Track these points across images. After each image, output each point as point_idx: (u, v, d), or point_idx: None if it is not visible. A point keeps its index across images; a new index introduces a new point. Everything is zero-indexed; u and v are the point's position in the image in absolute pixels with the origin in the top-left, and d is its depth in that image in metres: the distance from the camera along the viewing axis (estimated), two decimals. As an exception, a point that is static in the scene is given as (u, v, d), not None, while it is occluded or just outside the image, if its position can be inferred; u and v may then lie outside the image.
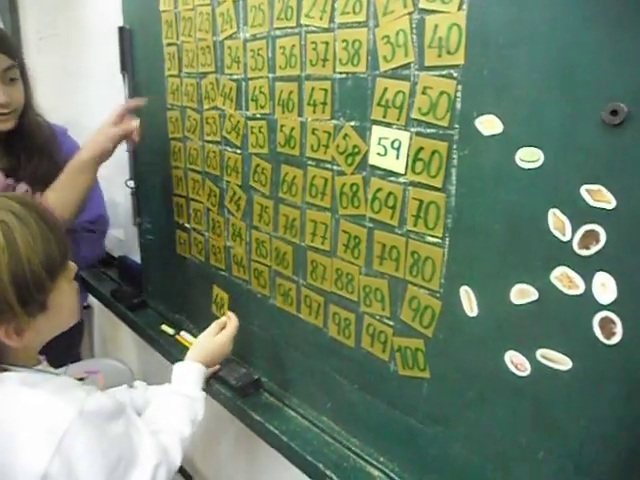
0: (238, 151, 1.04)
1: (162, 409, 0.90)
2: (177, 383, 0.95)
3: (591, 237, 0.59)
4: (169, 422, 0.87)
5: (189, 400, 0.92)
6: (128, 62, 1.34)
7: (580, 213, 0.59)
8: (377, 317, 0.84)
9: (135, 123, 1.12)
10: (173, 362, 1.00)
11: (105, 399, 0.74)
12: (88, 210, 1.39)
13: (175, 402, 0.91)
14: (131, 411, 0.80)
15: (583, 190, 0.58)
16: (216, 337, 1.02)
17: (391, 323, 0.82)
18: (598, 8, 0.55)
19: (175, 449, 0.83)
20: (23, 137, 1.20)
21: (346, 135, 0.81)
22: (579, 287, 0.60)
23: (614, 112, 0.55)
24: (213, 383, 1.11)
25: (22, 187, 1.17)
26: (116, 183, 1.48)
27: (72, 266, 0.78)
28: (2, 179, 1.12)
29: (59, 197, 1.11)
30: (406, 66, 0.72)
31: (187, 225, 1.25)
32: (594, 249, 0.58)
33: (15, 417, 0.67)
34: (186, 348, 1.25)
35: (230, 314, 1.06)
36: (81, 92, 1.70)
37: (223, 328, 1.04)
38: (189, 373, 0.96)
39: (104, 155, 1.11)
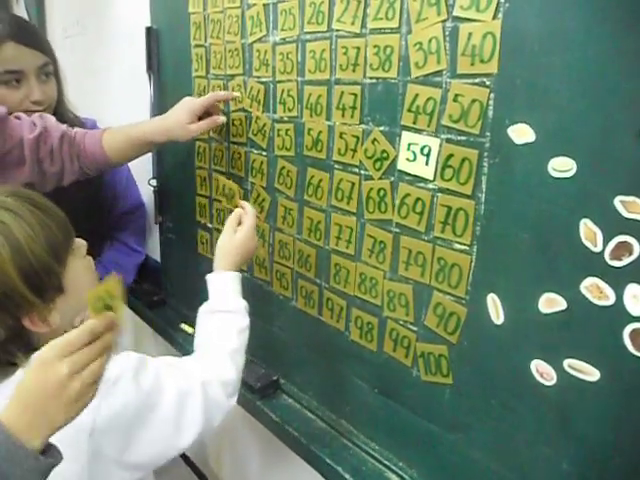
0: (264, 153, 1.05)
1: (202, 334, 0.88)
2: (214, 300, 0.90)
3: (624, 248, 0.58)
4: (212, 342, 0.85)
5: (230, 314, 0.87)
6: (154, 62, 1.35)
7: (613, 224, 0.59)
8: (401, 322, 0.84)
9: (221, 120, 1.06)
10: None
11: (126, 359, 0.74)
12: (130, 199, 1.46)
13: (214, 321, 0.88)
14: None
15: (617, 201, 0.58)
16: (236, 235, 0.92)
17: (415, 328, 0.82)
18: (637, 17, 0.55)
19: (222, 363, 0.82)
20: None
21: (375, 140, 0.82)
22: (609, 298, 0.60)
23: (651, 124, 0.54)
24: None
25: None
26: (139, 181, 1.50)
27: (80, 243, 0.78)
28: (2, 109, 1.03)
29: (113, 144, 1.10)
30: (438, 73, 0.72)
31: (209, 225, 1.26)
32: (627, 260, 0.58)
33: None
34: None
35: (244, 203, 0.98)
36: (105, 91, 1.72)
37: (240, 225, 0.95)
38: (223, 286, 0.90)
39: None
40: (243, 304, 0.89)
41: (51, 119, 1.09)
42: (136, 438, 0.71)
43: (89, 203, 1.33)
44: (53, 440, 0.55)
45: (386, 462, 0.90)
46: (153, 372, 0.75)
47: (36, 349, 0.67)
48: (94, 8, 1.76)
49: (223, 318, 0.87)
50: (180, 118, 1.03)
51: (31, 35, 1.16)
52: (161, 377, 0.75)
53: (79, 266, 0.76)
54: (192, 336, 1.30)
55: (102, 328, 0.56)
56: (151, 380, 0.74)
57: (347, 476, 0.89)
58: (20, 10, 2.47)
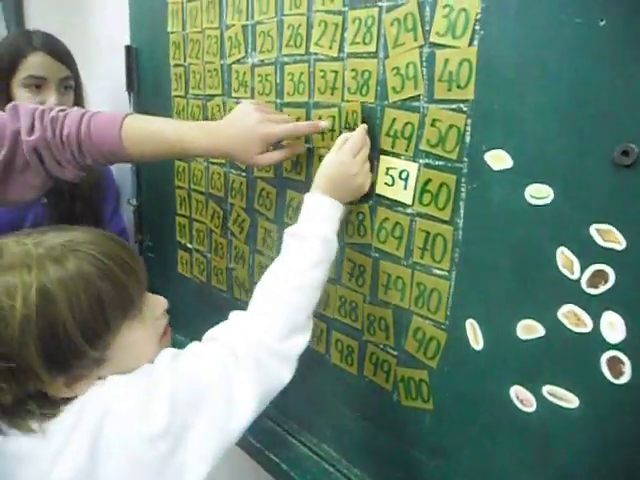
0: (243, 174, 1.04)
1: (272, 266, 0.74)
2: (297, 223, 0.76)
3: (600, 277, 0.58)
4: (274, 277, 0.73)
5: (303, 241, 0.73)
6: (134, 81, 1.34)
7: (589, 252, 0.59)
8: (381, 346, 0.84)
9: (301, 150, 0.89)
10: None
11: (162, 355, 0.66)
12: (115, 224, 1.45)
13: (286, 248, 0.74)
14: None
15: (593, 229, 0.58)
16: (330, 156, 0.78)
17: (395, 353, 0.82)
18: (610, 47, 0.55)
19: (277, 311, 0.69)
20: None
21: (353, 164, 0.81)
22: (587, 325, 0.60)
23: (625, 153, 0.55)
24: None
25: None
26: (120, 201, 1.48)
27: (156, 303, 0.70)
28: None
29: (134, 136, 0.87)
30: (415, 98, 0.72)
31: (189, 245, 1.25)
32: (603, 288, 0.58)
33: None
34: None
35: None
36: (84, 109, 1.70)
37: None
38: (305, 207, 0.77)
39: None
40: (324, 232, 0.73)
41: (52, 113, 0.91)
42: (191, 431, 0.60)
43: (84, 216, 1.33)
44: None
45: (367, 488, 0.89)
46: (190, 355, 0.66)
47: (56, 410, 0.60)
48: (73, 26, 1.75)
49: (294, 244, 0.74)
50: (249, 147, 0.83)
51: (59, 50, 1.26)
52: (200, 357, 0.66)
53: (138, 335, 0.65)
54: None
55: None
56: (189, 363, 0.64)
57: (328, 503, 0.88)
58: (-1, 24, 2.45)
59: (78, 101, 1.32)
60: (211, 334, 0.71)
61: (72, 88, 1.29)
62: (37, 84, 1.22)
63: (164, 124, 0.89)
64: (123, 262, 0.63)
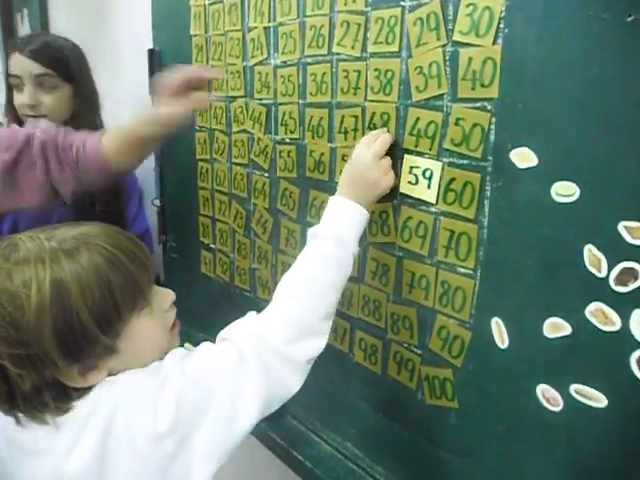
0: (266, 174, 1.05)
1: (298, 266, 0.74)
2: (326, 218, 0.76)
3: (629, 274, 0.58)
4: (288, 279, 0.73)
5: (317, 240, 0.74)
6: (157, 83, 1.36)
7: (617, 250, 0.58)
8: (405, 345, 0.84)
9: (203, 98, 0.95)
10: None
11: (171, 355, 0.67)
12: (137, 228, 1.47)
13: (304, 250, 0.75)
14: None
15: (621, 226, 0.58)
16: (353, 160, 0.79)
17: (419, 352, 0.82)
18: (635, 43, 0.55)
19: (287, 313, 0.69)
20: None
21: (377, 163, 0.82)
22: (615, 324, 0.60)
23: (654, 149, 0.54)
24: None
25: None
26: (143, 202, 1.50)
27: (164, 295, 0.70)
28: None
29: (111, 144, 1.00)
30: (439, 97, 0.72)
31: (212, 245, 1.26)
32: (632, 286, 0.58)
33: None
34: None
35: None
36: (107, 112, 1.73)
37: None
38: (327, 210, 0.77)
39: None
40: (336, 231, 0.74)
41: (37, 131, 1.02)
42: (197, 430, 0.62)
43: (107, 215, 1.36)
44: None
45: (392, 486, 0.89)
46: (198, 355, 0.67)
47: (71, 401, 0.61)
48: (97, 31, 1.78)
49: (309, 245, 0.75)
50: (157, 101, 0.94)
51: (34, 48, 1.27)
52: (208, 358, 0.66)
53: (147, 326, 0.66)
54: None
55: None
56: (196, 363, 0.65)
57: (352, 501, 0.88)
58: (25, 29, 2.51)
59: (78, 102, 1.34)
60: (223, 334, 0.71)
61: (55, 87, 1.29)
62: (15, 83, 1.28)
63: (128, 125, 1.01)
64: (133, 254, 0.65)
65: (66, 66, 1.31)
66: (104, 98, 1.71)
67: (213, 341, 0.71)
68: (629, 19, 0.54)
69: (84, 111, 1.34)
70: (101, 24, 1.76)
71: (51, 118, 1.28)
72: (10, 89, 1.32)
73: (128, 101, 1.64)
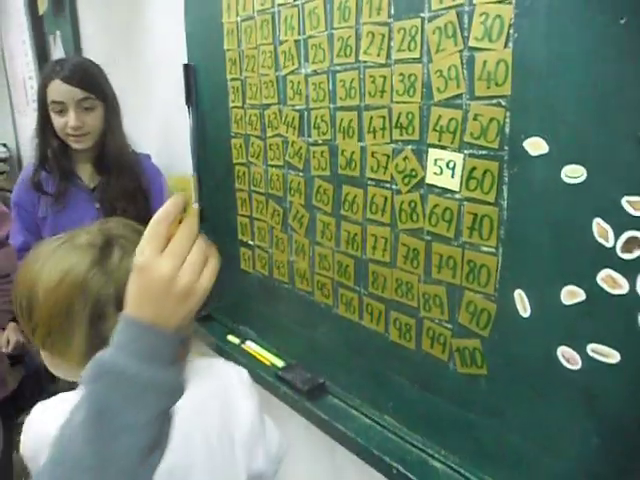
0: (301, 174, 1.15)
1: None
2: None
3: (634, 243, 0.66)
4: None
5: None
6: (192, 96, 1.48)
7: (622, 221, 0.67)
8: (436, 321, 0.93)
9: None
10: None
11: None
12: None
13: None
14: None
15: (624, 201, 0.66)
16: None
17: (449, 326, 0.91)
18: (631, 41, 0.63)
19: None
20: (109, 157, 1.48)
21: (406, 157, 0.91)
22: (623, 287, 0.68)
23: (648, 133, 0.63)
24: (281, 386, 1.21)
25: None
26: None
27: None
28: None
29: None
30: (458, 96, 0.81)
31: (251, 242, 1.36)
32: (637, 253, 0.66)
33: None
34: (252, 356, 1.36)
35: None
36: (145, 126, 1.84)
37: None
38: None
39: None
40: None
41: None
42: None
43: (137, 221, 1.48)
44: None
45: (429, 451, 0.98)
46: None
47: None
48: (129, 49, 1.90)
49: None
50: None
51: (75, 75, 1.41)
52: None
53: None
54: (239, 347, 1.41)
55: (176, 208, 0.53)
56: None
57: (394, 464, 0.97)
58: (58, 51, 2.65)
59: (109, 118, 1.49)
60: None
61: (94, 108, 1.45)
62: (59, 109, 1.42)
63: None
64: None
65: (101, 88, 1.47)
66: (138, 112, 1.84)
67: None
68: (622, 21, 0.63)
69: (115, 126, 1.50)
70: (132, 42, 1.88)
71: (92, 135, 1.46)
72: (45, 113, 1.45)
73: (162, 115, 1.76)
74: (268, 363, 1.32)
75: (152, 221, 0.53)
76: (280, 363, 1.30)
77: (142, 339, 0.52)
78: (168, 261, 0.51)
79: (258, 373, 1.30)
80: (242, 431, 0.81)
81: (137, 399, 0.51)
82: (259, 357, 1.35)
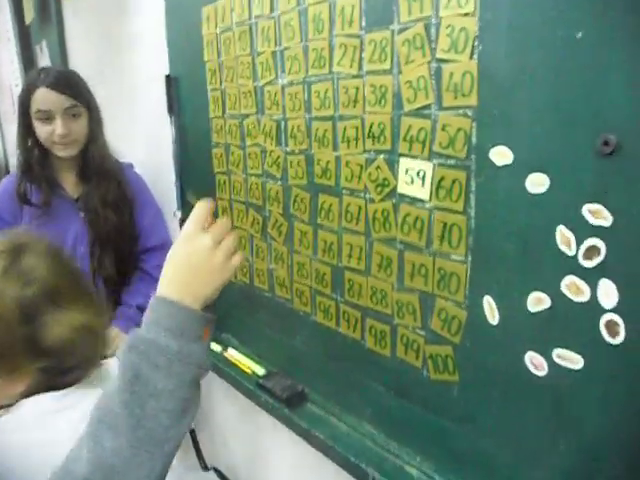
0: (279, 183, 1.16)
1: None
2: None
3: (594, 250, 0.68)
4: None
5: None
6: (174, 106, 1.49)
7: (583, 229, 0.68)
8: (410, 328, 0.94)
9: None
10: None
11: None
12: (155, 236, 1.61)
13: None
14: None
15: (585, 210, 0.68)
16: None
17: (422, 333, 0.92)
18: (586, 55, 0.65)
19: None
20: (92, 164, 1.47)
21: (378, 167, 0.92)
22: (585, 294, 0.69)
23: (606, 143, 0.64)
24: (262, 394, 1.22)
25: None
26: (165, 213, 1.62)
27: None
28: None
29: None
30: (427, 107, 0.83)
31: (232, 251, 1.37)
32: (596, 260, 0.67)
33: None
34: (233, 364, 1.37)
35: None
36: (129, 135, 1.85)
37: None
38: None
39: None
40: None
41: None
42: None
43: (121, 229, 1.50)
44: None
45: (405, 457, 0.99)
46: None
47: None
48: (114, 59, 1.92)
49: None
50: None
51: (62, 83, 1.41)
52: None
53: None
54: (220, 354, 1.42)
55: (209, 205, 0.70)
56: None
57: (370, 472, 0.98)
58: (44, 59, 2.66)
59: (93, 127, 1.48)
60: None
61: (80, 115, 1.44)
62: (44, 117, 1.40)
63: None
64: None
65: (86, 96, 1.47)
66: (122, 122, 1.85)
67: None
68: (578, 35, 0.65)
69: (98, 134, 1.51)
70: (118, 54, 1.89)
71: (78, 143, 1.45)
72: (27, 122, 1.43)
73: (145, 123, 1.77)
74: (249, 371, 1.33)
75: (196, 207, 0.69)
76: (261, 371, 1.31)
77: (173, 316, 0.62)
78: (210, 236, 0.66)
79: (239, 381, 1.31)
80: None
81: (166, 368, 0.60)
82: (240, 365, 1.35)
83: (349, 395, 1.11)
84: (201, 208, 0.70)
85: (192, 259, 0.66)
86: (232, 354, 1.40)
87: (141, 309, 1.50)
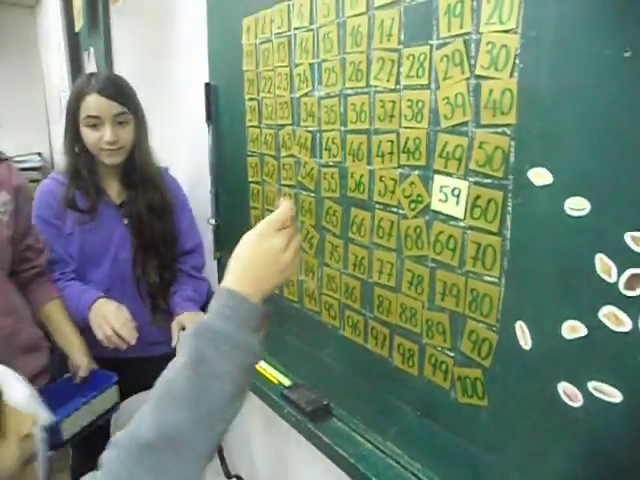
0: (312, 194, 1.15)
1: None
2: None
3: (636, 279, 0.64)
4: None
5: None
6: (212, 114, 1.50)
7: (625, 257, 0.65)
8: (439, 348, 0.91)
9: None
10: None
11: None
12: (191, 240, 1.62)
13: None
14: None
15: (627, 237, 0.64)
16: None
17: (452, 354, 0.89)
18: (635, 74, 0.62)
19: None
20: (136, 171, 1.48)
21: (412, 183, 0.91)
22: (626, 325, 0.66)
23: (653, 168, 0.61)
24: (285, 406, 1.21)
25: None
26: (200, 221, 1.64)
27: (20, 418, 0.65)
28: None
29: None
30: (464, 124, 0.81)
31: (263, 260, 1.37)
32: (639, 290, 0.64)
33: None
34: (259, 373, 1.36)
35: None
36: (169, 141, 1.88)
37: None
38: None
39: None
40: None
41: None
42: None
43: (164, 235, 1.52)
44: None
45: (429, 481, 0.96)
46: None
47: None
48: (158, 67, 1.95)
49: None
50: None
51: (112, 89, 1.41)
52: None
53: None
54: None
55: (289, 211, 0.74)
56: None
57: (393, 493, 0.95)
58: (91, 65, 2.74)
59: (139, 134, 1.49)
60: None
61: (128, 122, 1.44)
62: (93, 123, 1.40)
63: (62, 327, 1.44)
64: None
65: (134, 102, 1.48)
66: (162, 128, 1.88)
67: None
68: (626, 54, 0.62)
69: (143, 139, 1.51)
70: (161, 61, 1.93)
71: (125, 150, 1.46)
72: (75, 128, 1.43)
73: (184, 130, 1.80)
74: (275, 381, 1.32)
75: (280, 208, 0.75)
76: (287, 382, 1.30)
77: (237, 308, 0.68)
78: (283, 238, 0.73)
79: (264, 391, 1.30)
80: None
81: (228, 354, 0.65)
82: (266, 375, 1.35)
83: (374, 412, 1.09)
84: (283, 213, 0.75)
85: (264, 258, 0.73)
86: (259, 363, 1.40)
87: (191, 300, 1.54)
